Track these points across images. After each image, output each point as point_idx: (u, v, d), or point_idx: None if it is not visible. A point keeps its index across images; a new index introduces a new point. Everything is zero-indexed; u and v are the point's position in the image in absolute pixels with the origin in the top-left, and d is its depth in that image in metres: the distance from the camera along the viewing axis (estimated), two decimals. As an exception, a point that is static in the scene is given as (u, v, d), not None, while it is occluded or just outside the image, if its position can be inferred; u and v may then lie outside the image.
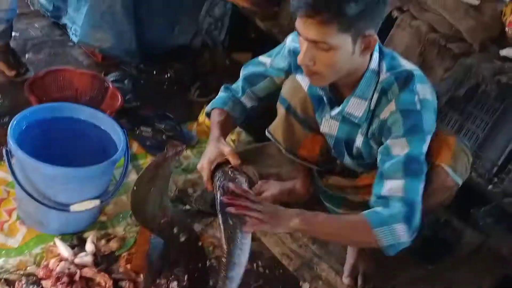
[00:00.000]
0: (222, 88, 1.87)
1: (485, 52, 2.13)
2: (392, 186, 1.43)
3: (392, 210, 1.41)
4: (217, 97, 1.85)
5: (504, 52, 2.07)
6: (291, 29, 2.73)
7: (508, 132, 2.05)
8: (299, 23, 1.38)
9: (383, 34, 2.25)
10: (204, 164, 1.54)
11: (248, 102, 1.81)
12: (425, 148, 1.47)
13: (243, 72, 1.83)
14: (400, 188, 1.42)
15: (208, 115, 1.85)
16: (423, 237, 1.96)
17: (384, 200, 1.44)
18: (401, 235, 1.40)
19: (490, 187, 2.10)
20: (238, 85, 1.83)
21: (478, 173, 2.13)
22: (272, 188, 1.96)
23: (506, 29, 2.16)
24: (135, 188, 1.32)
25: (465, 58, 2.09)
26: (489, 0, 2.21)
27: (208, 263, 1.73)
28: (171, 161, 1.35)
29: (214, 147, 1.60)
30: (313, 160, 1.84)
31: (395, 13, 2.28)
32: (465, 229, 2.03)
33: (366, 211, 1.45)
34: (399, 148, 1.45)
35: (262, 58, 1.80)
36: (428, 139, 1.48)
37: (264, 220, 1.36)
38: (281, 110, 1.76)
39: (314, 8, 1.32)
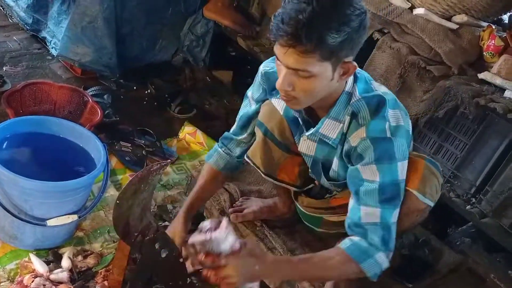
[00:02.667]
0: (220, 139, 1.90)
1: (463, 75, 2.17)
2: (368, 213, 1.46)
3: (371, 240, 1.45)
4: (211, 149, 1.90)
5: (482, 75, 2.11)
6: (272, 48, 2.78)
7: (486, 154, 2.08)
8: (279, 51, 1.35)
9: (364, 55, 2.28)
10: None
11: (248, 137, 1.83)
12: (400, 174, 1.48)
13: (239, 114, 1.84)
14: (377, 216, 1.46)
15: None
16: (402, 257, 1.98)
17: (362, 229, 1.47)
18: (383, 262, 1.46)
19: (468, 207, 2.12)
20: (236, 127, 1.85)
21: (456, 194, 2.16)
22: (253, 205, 1.95)
23: (484, 53, 2.21)
24: (117, 201, 1.29)
25: (444, 80, 2.12)
26: (467, 24, 2.26)
27: (188, 280, 1.70)
28: (155, 175, 1.32)
29: (176, 223, 1.75)
30: (292, 181, 1.84)
31: (376, 35, 2.31)
32: (443, 249, 2.04)
33: (346, 245, 1.47)
34: (369, 174, 1.46)
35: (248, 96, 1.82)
36: (403, 164, 1.49)
37: (235, 281, 1.38)
38: (259, 134, 1.76)
39: (295, 38, 1.28)
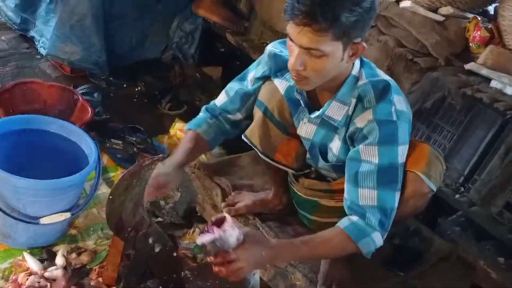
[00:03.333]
0: (203, 108, 1.88)
1: (450, 66, 2.20)
2: (366, 195, 1.51)
3: (368, 221, 1.50)
4: (196, 117, 1.86)
5: (469, 66, 2.14)
6: (261, 44, 2.80)
7: (473, 143, 2.11)
8: (293, 30, 1.39)
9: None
10: (150, 186, 1.56)
11: (240, 115, 1.83)
12: (400, 157, 1.52)
13: (231, 92, 1.83)
14: (374, 198, 1.50)
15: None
16: (393, 246, 2.01)
17: (361, 209, 1.51)
18: (378, 240, 1.52)
19: (457, 196, 2.15)
20: (229, 102, 1.82)
21: (445, 183, 2.18)
22: (245, 199, 1.96)
23: (470, 44, 2.24)
24: (110, 197, 1.31)
25: (432, 72, 2.15)
26: (453, 16, 2.29)
27: (182, 274, 1.71)
28: (147, 170, 1.34)
29: (172, 170, 1.68)
30: (288, 164, 1.86)
31: (363, 28, 2.33)
32: (434, 238, 2.06)
33: (345, 224, 1.52)
34: (369, 154, 1.51)
35: (246, 77, 1.82)
36: (404, 149, 1.53)
37: (245, 272, 1.44)
38: (258, 113, 1.78)
39: (310, 16, 1.33)
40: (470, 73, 2.14)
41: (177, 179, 1.74)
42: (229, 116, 1.82)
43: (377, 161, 1.50)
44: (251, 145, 1.80)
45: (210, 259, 1.40)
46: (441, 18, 2.27)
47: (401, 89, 2.20)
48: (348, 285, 1.74)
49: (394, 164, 1.51)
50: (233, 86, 1.82)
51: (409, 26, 2.23)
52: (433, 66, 2.18)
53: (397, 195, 1.52)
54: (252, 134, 1.80)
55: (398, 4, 2.32)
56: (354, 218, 1.52)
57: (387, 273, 1.91)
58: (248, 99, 1.79)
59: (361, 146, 1.52)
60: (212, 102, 1.87)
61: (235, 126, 1.85)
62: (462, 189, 2.15)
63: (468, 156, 2.13)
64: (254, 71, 1.79)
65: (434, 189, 1.59)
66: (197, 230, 2.04)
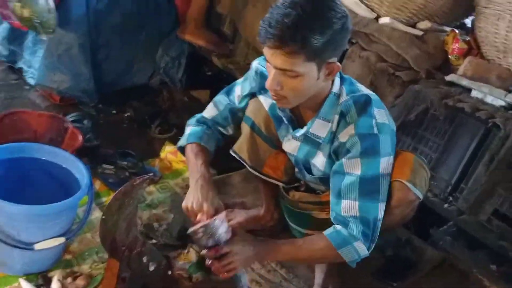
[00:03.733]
0: (193, 121, 1.92)
1: (431, 78, 2.26)
2: (348, 206, 1.55)
3: (350, 231, 1.54)
4: (190, 131, 1.89)
5: (449, 77, 2.20)
6: (247, 65, 2.84)
7: (459, 152, 2.15)
8: (267, 52, 1.45)
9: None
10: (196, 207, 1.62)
11: (230, 130, 1.89)
12: (382, 169, 1.55)
13: (220, 106, 1.88)
14: (355, 209, 1.54)
15: (181, 149, 1.90)
16: (386, 257, 2.04)
17: (343, 219, 1.55)
18: (361, 250, 1.55)
19: (445, 206, 2.18)
20: (219, 116, 1.88)
21: (434, 193, 2.22)
22: (238, 217, 1.99)
23: (449, 56, 2.30)
24: (103, 217, 1.33)
25: (413, 84, 2.20)
26: (431, 30, 2.36)
27: (178, 292, 1.73)
28: (138, 189, 1.36)
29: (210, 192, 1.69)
30: (277, 177, 1.90)
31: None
32: (426, 247, 2.10)
33: (329, 232, 1.57)
34: (352, 167, 1.55)
35: (233, 91, 1.88)
36: (387, 160, 1.57)
37: (237, 266, 1.50)
38: (245, 128, 1.83)
39: (281, 40, 1.38)
40: (451, 84, 2.20)
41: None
42: (220, 128, 1.88)
43: (359, 173, 1.54)
44: (239, 159, 1.84)
45: (204, 253, 1.44)
46: (420, 33, 2.35)
47: (384, 102, 2.25)
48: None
49: (376, 175, 1.54)
50: (221, 100, 1.88)
51: (389, 41, 2.30)
52: (415, 79, 2.24)
53: (381, 206, 1.55)
54: (240, 149, 1.84)
55: (377, 21, 2.39)
56: (338, 227, 1.56)
57: (380, 284, 1.93)
58: (236, 114, 1.85)
59: (344, 160, 1.57)
60: (199, 115, 1.92)
61: (225, 137, 1.91)
62: (451, 198, 2.19)
63: (454, 165, 2.17)
64: (240, 86, 1.83)
65: (421, 196, 1.62)
66: (191, 250, 2.05)
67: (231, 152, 1.86)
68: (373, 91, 2.27)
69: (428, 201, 2.22)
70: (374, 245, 1.56)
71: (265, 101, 1.76)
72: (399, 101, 2.23)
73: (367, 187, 1.54)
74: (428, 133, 2.24)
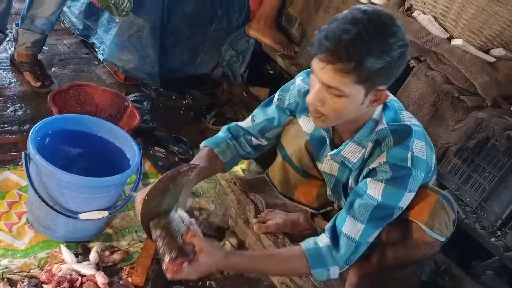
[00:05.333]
0: (225, 127, 1.87)
1: (497, 107, 2.17)
2: (352, 226, 1.50)
3: (336, 252, 1.50)
4: (215, 136, 1.84)
5: (516, 109, 2.12)
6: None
7: (515, 187, 2.07)
8: (316, 65, 1.37)
9: (399, 80, 2.30)
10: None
11: (265, 141, 1.82)
12: (402, 203, 1.51)
13: (256, 119, 1.81)
14: (358, 232, 1.50)
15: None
16: (421, 283, 1.98)
17: (338, 236, 1.51)
18: (333, 274, 1.53)
19: (492, 239, 2.10)
20: (253, 128, 1.81)
21: (482, 225, 2.14)
22: (277, 218, 1.98)
23: (520, 87, 2.21)
24: (146, 198, 1.36)
25: (477, 111, 2.12)
26: (505, 58, 2.27)
27: (207, 283, 1.75)
28: (183, 176, 1.38)
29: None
30: (309, 203, 1.89)
31: (412, 62, 2.33)
32: (464, 279, 2.02)
33: (308, 247, 1.53)
34: (374, 190, 1.49)
35: (270, 102, 1.81)
36: (409, 196, 1.51)
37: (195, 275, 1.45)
38: (278, 156, 1.82)
39: (335, 55, 1.31)
40: (517, 116, 2.11)
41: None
42: (252, 139, 1.81)
43: (379, 199, 1.48)
44: (271, 184, 1.84)
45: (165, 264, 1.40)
46: (492, 59, 2.26)
47: (445, 126, 2.21)
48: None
49: (393, 206, 1.50)
50: (259, 112, 1.81)
51: (459, 64, 2.22)
52: (480, 105, 2.16)
53: (378, 232, 1.53)
54: (273, 175, 1.85)
55: (450, 42, 2.32)
56: (322, 243, 1.52)
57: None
58: (269, 130, 1.79)
59: (369, 179, 1.51)
60: (234, 123, 1.86)
61: (256, 149, 1.84)
62: (499, 232, 2.10)
63: (508, 199, 2.08)
64: (288, 97, 1.74)
65: (441, 239, 1.58)
66: (227, 243, 2.08)
67: (265, 174, 1.87)
68: (435, 112, 2.25)
69: (474, 232, 2.14)
70: (348, 267, 1.55)
71: (307, 123, 1.69)
72: (460, 126, 2.15)
73: (379, 214, 1.49)
74: (486, 162, 2.15)
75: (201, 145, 1.83)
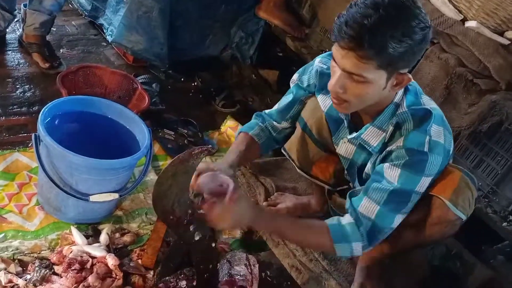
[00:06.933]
0: (253, 116, 1.88)
1: (511, 91, 2.14)
2: (367, 206, 1.50)
3: (358, 229, 1.50)
4: (247, 123, 1.86)
5: (530, 92, 2.09)
6: (320, 51, 2.81)
7: (528, 172, 2.05)
8: (337, 52, 1.36)
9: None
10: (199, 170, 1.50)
11: (286, 124, 1.83)
12: (419, 187, 1.49)
13: (280, 104, 1.83)
14: (373, 212, 1.49)
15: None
16: (432, 267, 1.98)
17: (357, 215, 1.51)
18: (356, 250, 1.52)
19: (504, 224, 2.09)
20: (275, 111, 1.83)
21: (494, 209, 2.13)
22: (287, 201, 1.98)
23: (535, 70, 2.18)
24: (158, 180, 1.35)
25: (491, 94, 2.10)
26: (520, 40, 2.24)
27: (218, 265, 1.75)
28: (195, 159, 1.38)
29: (223, 167, 1.56)
30: (325, 179, 1.86)
31: (425, 45, 2.31)
32: (475, 263, 2.02)
33: (332, 223, 1.53)
34: (390, 174, 1.48)
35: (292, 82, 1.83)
36: (427, 181, 1.49)
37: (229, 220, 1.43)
38: (298, 128, 1.79)
39: (356, 41, 1.29)
40: (532, 100, 2.08)
41: (227, 174, 1.66)
42: (275, 124, 1.82)
43: (395, 183, 1.47)
44: (288, 158, 1.82)
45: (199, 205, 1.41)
46: (507, 42, 2.22)
47: (457, 109, 2.19)
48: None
49: (410, 190, 1.48)
50: (283, 99, 1.83)
51: (473, 46, 2.19)
52: (493, 89, 2.13)
53: (399, 217, 1.51)
54: (290, 148, 1.82)
55: (463, 24, 2.28)
56: (346, 220, 1.52)
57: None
58: (291, 111, 1.79)
59: (386, 164, 1.50)
60: (263, 111, 1.88)
61: (280, 134, 1.84)
62: (511, 217, 2.09)
63: (521, 184, 2.07)
64: (298, 75, 1.77)
65: (463, 217, 1.55)
66: (237, 226, 2.07)
67: (282, 149, 1.84)
68: (447, 95, 2.22)
69: (485, 217, 2.13)
70: (371, 248, 1.53)
71: (324, 102, 1.69)
72: (473, 109, 2.13)
73: (396, 198, 1.48)
74: (499, 147, 2.13)
75: (235, 133, 1.87)
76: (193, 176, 1.40)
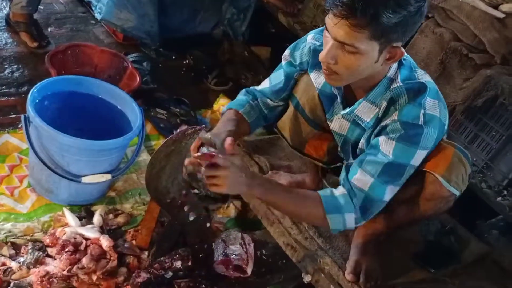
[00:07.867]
0: (243, 91, 1.84)
1: (506, 65, 2.13)
2: (361, 178, 1.48)
3: (351, 200, 1.49)
4: (236, 99, 1.81)
5: (525, 66, 2.07)
6: (313, 26, 2.77)
7: (522, 147, 2.05)
8: (330, 21, 1.33)
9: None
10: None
11: (272, 103, 1.79)
12: (414, 161, 1.47)
13: (272, 81, 1.79)
14: (367, 184, 1.48)
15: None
16: (427, 242, 1.98)
17: (350, 186, 1.50)
18: (349, 223, 1.50)
19: (498, 199, 2.09)
20: (268, 88, 1.79)
21: (488, 185, 2.13)
22: (282, 180, 1.96)
23: (530, 44, 2.16)
24: (151, 161, 1.33)
25: (486, 69, 2.08)
26: (514, 14, 2.21)
27: (213, 245, 1.74)
28: (189, 139, 1.35)
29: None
30: (319, 157, 1.85)
31: (419, 19, 2.28)
32: (470, 238, 2.03)
33: (325, 194, 1.51)
34: (386, 147, 1.47)
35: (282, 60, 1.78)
36: (422, 154, 1.48)
37: (224, 183, 1.40)
38: (290, 107, 1.77)
39: (350, 9, 1.27)
40: (527, 73, 2.07)
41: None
42: (269, 101, 1.78)
43: (390, 156, 1.46)
44: (281, 137, 1.80)
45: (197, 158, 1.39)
46: (502, 15, 2.20)
47: (452, 84, 2.17)
48: (376, 275, 1.73)
49: (405, 164, 1.47)
50: (274, 75, 1.79)
51: (467, 20, 2.17)
52: (488, 63, 2.12)
53: (392, 189, 1.50)
54: (283, 126, 1.79)
55: (458, -3, 2.25)
56: (339, 191, 1.50)
57: (418, 268, 1.88)
58: (284, 90, 1.76)
59: (381, 137, 1.49)
60: (252, 87, 1.84)
61: (272, 111, 1.80)
62: (505, 192, 2.10)
63: (516, 159, 2.07)
64: (299, 53, 1.71)
65: (456, 193, 1.55)
66: (231, 205, 2.06)
67: (274, 127, 1.81)
68: (442, 70, 2.20)
69: (480, 192, 2.14)
70: (365, 222, 1.52)
71: (317, 79, 1.66)
72: (468, 84, 2.12)
73: (391, 171, 1.47)
74: (493, 121, 2.13)
75: (223, 108, 1.80)
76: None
